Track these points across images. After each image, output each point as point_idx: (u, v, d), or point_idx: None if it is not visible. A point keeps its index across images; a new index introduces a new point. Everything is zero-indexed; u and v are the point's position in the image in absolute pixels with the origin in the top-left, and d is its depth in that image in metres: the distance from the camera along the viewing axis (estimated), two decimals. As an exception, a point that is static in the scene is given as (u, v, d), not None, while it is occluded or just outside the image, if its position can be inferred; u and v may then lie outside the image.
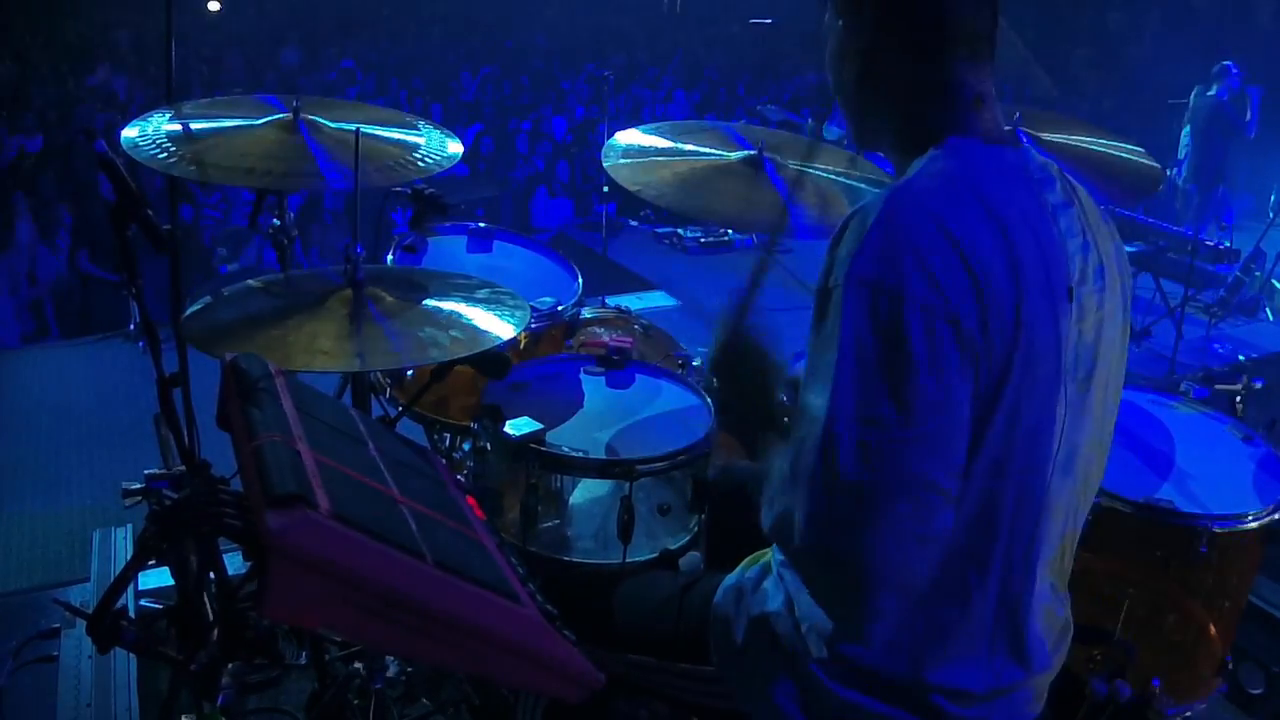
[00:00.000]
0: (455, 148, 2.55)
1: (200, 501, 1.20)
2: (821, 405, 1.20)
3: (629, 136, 2.61)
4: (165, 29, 2.43)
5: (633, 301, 5.24)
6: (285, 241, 2.63)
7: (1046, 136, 2.76)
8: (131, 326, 6.13)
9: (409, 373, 2.56)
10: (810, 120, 8.08)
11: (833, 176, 2.52)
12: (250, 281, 2.10)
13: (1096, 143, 2.82)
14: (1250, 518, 2.04)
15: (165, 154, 2.27)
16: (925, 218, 1.20)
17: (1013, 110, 2.67)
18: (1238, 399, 2.60)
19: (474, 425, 2.12)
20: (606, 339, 2.53)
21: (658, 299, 6.93)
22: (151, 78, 10.27)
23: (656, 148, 2.57)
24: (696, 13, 13.63)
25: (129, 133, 2.34)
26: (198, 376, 2.21)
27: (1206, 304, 7.09)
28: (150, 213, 1.63)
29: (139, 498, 1.69)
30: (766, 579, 1.51)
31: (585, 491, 2.17)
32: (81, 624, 2.52)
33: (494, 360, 2.07)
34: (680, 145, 2.57)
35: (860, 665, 1.33)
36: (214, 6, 11.10)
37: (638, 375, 2.32)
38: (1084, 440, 1.37)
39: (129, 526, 3.07)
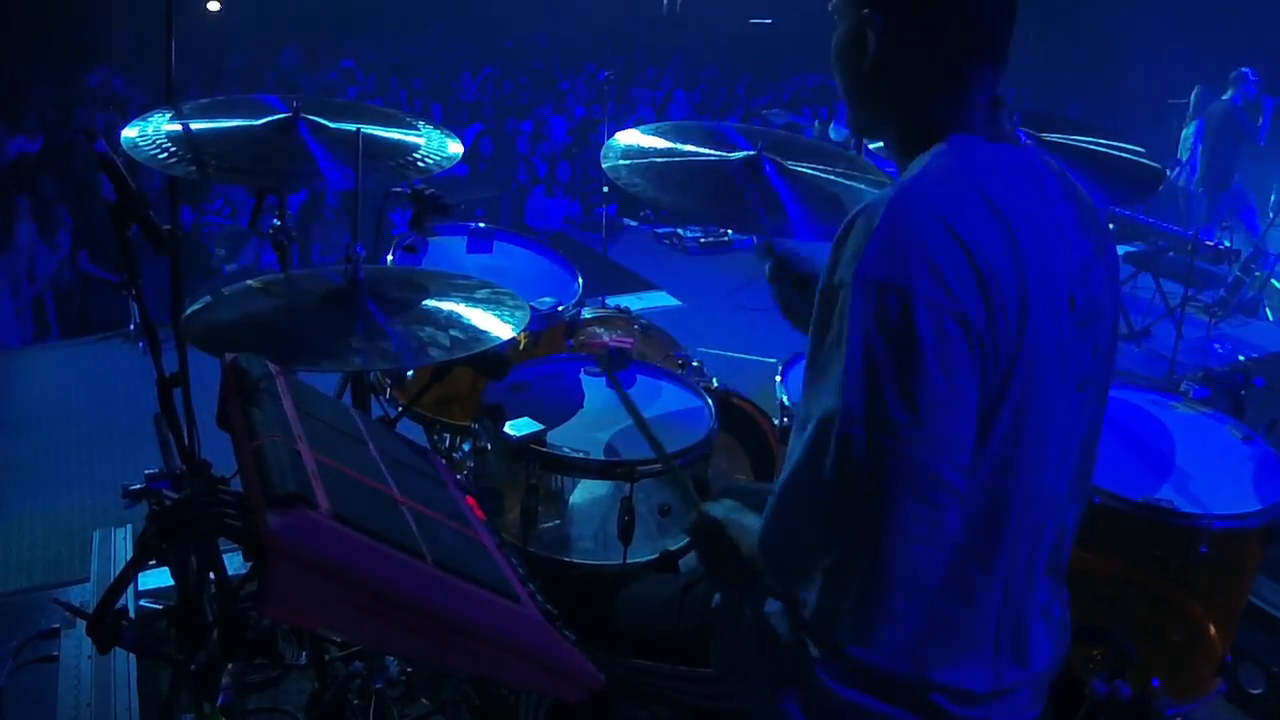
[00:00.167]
0: (455, 148, 2.55)
1: (200, 501, 1.20)
2: (832, 407, 1.20)
3: (629, 137, 2.61)
4: (165, 29, 2.43)
5: (633, 301, 5.25)
6: (285, 242, 2.63)
7: (1046, 136, 2.76)
8: (131, 326, 6.13)
9: (409, 373, 2.56)
10: (816, 122, 8.09)
11: (833, 176, 2.52)
12: (250, 282, 2.10)
13: (1096, 143, 2.82)
14: (1250, 518, 2.04)
15: (165, 154, 2.27)
16: (931, 216, 1.19)
17: (1013, 110, 2.67)
18: (1238, 399, 2.60)
19: (474, 425, 2.12)
20: (606, 339, 2.53)
21: (658, 299, 6.93)
22: (151, 78, 10.26)
23: (656, 148, 2.57)
24: (696, 13, 13.62)
25: (129, 133, 2.34)
26: (198, 376, 2.21)
27: (1206, 304, 7.10)
28: (150, 213, 1.63)
29: (139, 498, 1.69)
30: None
31: (585, 492, 2.17)
32: (81, 624, 2.53)
33: (494, 360, 2.07)
34: (680, 145, 2.57)
35: (861, 665, 1.33)
36: (214, 6, 11.09)
37: (638, 376, 2.32)
38: (1082, 438, 1.38)
39: (129, 526, 3.07)
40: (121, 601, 1.27)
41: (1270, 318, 7.40)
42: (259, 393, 1.40)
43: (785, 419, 2.46)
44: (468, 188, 8.72)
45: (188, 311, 1.97)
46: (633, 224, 9.32)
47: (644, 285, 7.31)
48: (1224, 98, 8.17)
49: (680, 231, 8.52)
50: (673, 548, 2.03)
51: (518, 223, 9.21)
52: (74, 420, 5.16)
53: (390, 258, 2.68)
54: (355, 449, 1.50)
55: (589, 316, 2.80)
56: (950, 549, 1.22)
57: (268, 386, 1.44)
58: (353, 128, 2.09)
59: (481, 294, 2.14)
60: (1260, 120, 8.06)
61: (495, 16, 14.05)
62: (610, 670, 1.40)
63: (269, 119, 2.46)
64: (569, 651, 1.32)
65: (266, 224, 2.65)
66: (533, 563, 1.98)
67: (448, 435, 2.69)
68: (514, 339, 2.37)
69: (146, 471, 1.75)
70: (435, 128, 2.63)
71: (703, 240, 8.40)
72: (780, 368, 2.54)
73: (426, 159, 2.46)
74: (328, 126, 2.46)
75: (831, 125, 8.52)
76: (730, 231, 8.32)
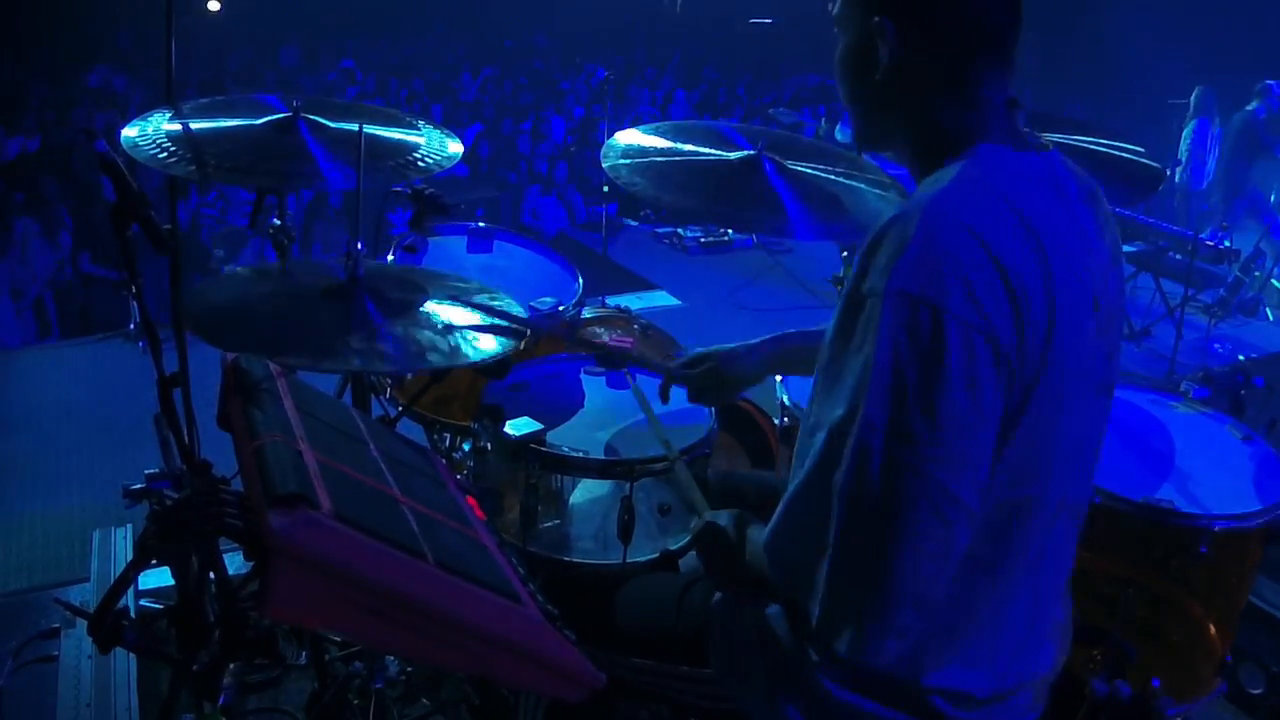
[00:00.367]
0: (455, 148, 2.55)
1: (201, 501, 1.20)
2: (847, 415, 1.19)
3: (629, 136, 2.61)
4: (165, 29, 2.43)
5: (633, 301, 5.24)
6: (285, 241, 2.62)
7: (1047, 136, 2.75)
8: (131, 326, 6.12)
9: (409, 373, 2.55)
10: (822, 123, 8.08)
11: (833, 177, 2.52)
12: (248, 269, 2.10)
13: (1096, 143, 2.82)
14: (1250, 518, 2.04)
15: (165, 154, 2.27)
16: (967, 233, 1.18)
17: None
18: (1238, 399, 2.60)
19: (474, 425, 2.12)
20: (607, 339, 2.53)
21: (658, 299, 6.93)
22: (151, 77, 10.27)
23: (656, 148, 2.57)
24: (696, 13, 13.63)
25: (129, 133, 2.34)
26: (198, 376, 2.20)
27: (1206, 304, 7.10)
28: (151, 213, 1.63)
29: (139, 498, 1.69)
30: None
31: (585, 492, 2.17)
32: (81, 624, 2.53)
33: (494, 360, 2.07)
34: (680, 145, 2.57)
35: (861, 669, 1.33)
36: (214, 6, 11.09)
37: (637, 376, 2.32)
38: (1095, 441, 1.38)
39: (129, 526, 3.06)
40: (122, 601, 1.27)
41: (1270, 318, 7.39)
42: (259, 393, 1.41)
43: (785, 419, 2.46)
44: (468, 188, 8.73)
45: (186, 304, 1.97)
46: (633, 224, 9.31)
47: (644, 285, 7.30)
48: (1248, 108, 8.16)
49: (680, 231, 8.51)
50: (673, 547, 2.03)
51: (518, 223, 9.21)
52: (74, 420, 5.15)
53: (390, 257, 2.68)
54: (356, 449, 1.50)
55: (589, 316, 2.80)
56: (957, 565, 1.22)
57: (268, 387, 1.44)
58: (353, 127, 2.09)
59: (479, 299, 2.14)
60: None
61: (495, 16, 14.05)
62: (610, 670, 1.40)
63: (269, 119, 2.46)
64: (569, 651, 1.32)
65: (267, 224, 2.65)
66: (533, 562, 1.98)
67: (448, 435, 2.69)
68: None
69: (147, 471, 1.74)
70: (435, 128, 2.63)
71: (703, 240, 8.39)
72: (780, 368, 2.53)
73: (426, 159, 2.46)
74: (328, 126, 2.46)
75: (838, 127, 8.51)
76: (730, 231, 8.32)
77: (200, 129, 2.40)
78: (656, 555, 2.01)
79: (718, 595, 1.59)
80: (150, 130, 2.36)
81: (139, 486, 1.69)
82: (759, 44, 13.48)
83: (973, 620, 1.31)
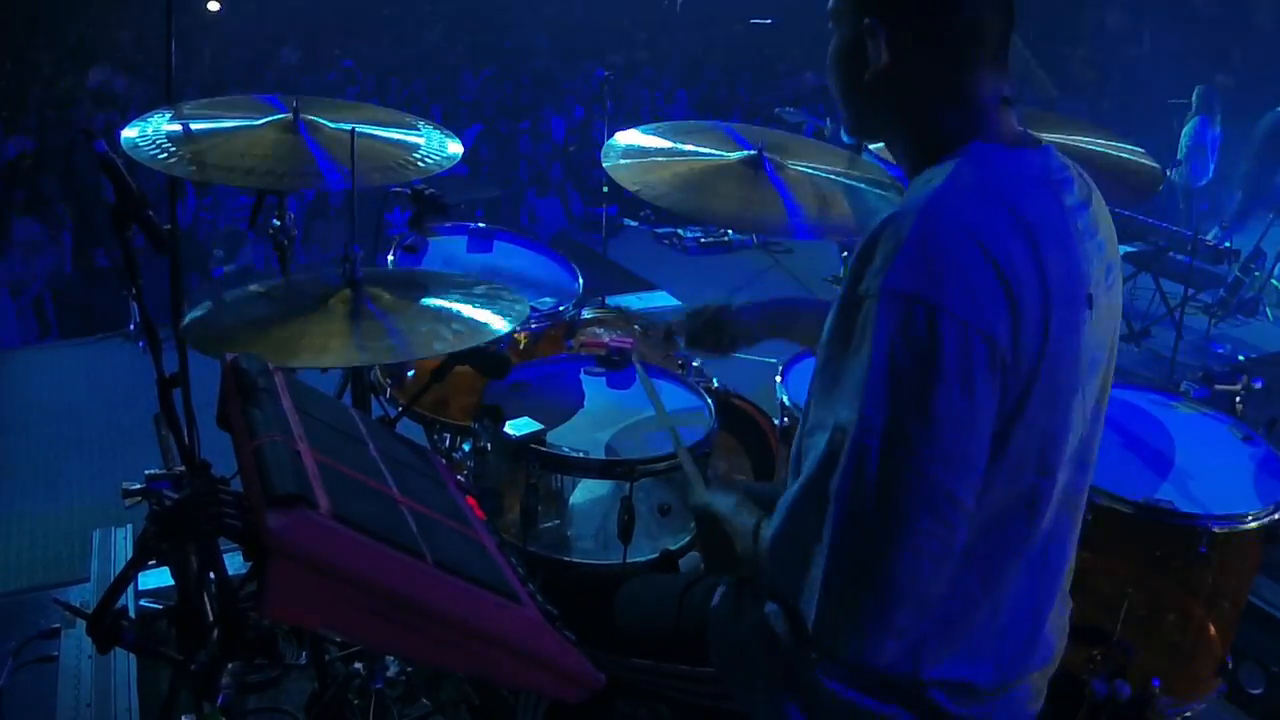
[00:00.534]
0: (455, 148, 2.54)
1: (200, 501, 1.20)
2: (847, 418, 1.19)
3: (629, 136, 2.61)
4: (165, 29, 2.43)
5: (633, 301, 5.25)
6: (285, 242, 2.62)
7: (1046, 136, 2.75)
8: (131, 326, 6.12)
9: (409, 373, 2.56)
10: (828, 123, 8.07)
11: (833, 176, 2.52)
12: (251, 287, 2.10)
13: (1096, 143, 2.81)
14: (1250, 518, 2.04)
15: (165, 154, 2.27)
16: (963, 232, 1.18)
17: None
18: (1238, 399, 2.60)
19: (474, 425, 2.12)
20: (606, 339, 2.53)
21: (658, 299, 6.93)
22: (151, 78, 10.27)
23: (656, 148, 2.57)
24: (696, 13, 13.62)
25: (129, 133, 2.34)
26: (198, 376, 2.21)
27: (1206, 304, 7.09)
28: (151, 213, 1.63)
29: (139, 498, 1.69)
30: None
31: (585, 492, 2.17)
32: (81, 624, 2.53)
33: (494, 360, 2.07)
34: (680, 145, 2.57)
35: (861, 666, 1.33)
36: (214, 6, 11.08)
37: (637, 376, 2.32)
38: (1094, 437, 1.38)
39: (129, 526, 3.07)
40: (121, 601, 1.27)
41: (1270, 318, 7.39)
42: (259, 392, 1.40)
43: (785, 419, 2.46)
44: (468, 188, 8.72)
45: (187, 319, 1.97)
46: (633, 224, 9.31)
47: (644, 285, 7.30)
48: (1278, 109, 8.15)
49: (680, 231, 8.51)
50: (673, 547, 2.03)
51: (518, 223, 9.21)
52: (74, 420, 5.16)
53: (390, 257, 2.68)
54: (355, 449, 1.50)
55: (589, 316, 2.80)
56: (954, 565, 1.21)
57: (267, 386, 1.44)
58: (350, 128, 2.09)
59: (479, 290, 2.14)
60: None
61: (495, 16, 14.05)
62: (610, 670, 1.40)
63: (269, 119, 2.46)
64: (569, 651, 1.32)
65: (267, 224, 2.65)
66: (532, 562, 1.98)
67: (448, 435, 2.69)
68: (514, 339, 2.38)
69: (146, 471, 1.74)
70: (435, 128, 2.63)
71: (703, 240, 8.40)
72: (780, 368, 2.53)
73: (426, 159, 2.46)
74: (327, 126, 2.46)
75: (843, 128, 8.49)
76: (730, 231, 8.32)
77: (200, 129, 2.40)
78: (656, 555, 2.01)
79: (718, 595, 1.59)
80: (150, 130, 2.36)
81: (139, 486, 1.70)
82: (759, 44, 13.48)
83: (973, 615, 1.31)
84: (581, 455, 1.98)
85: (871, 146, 2.72)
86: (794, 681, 1.41)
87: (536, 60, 13.35)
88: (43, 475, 4.62)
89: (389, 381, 2.58)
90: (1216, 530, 2.01)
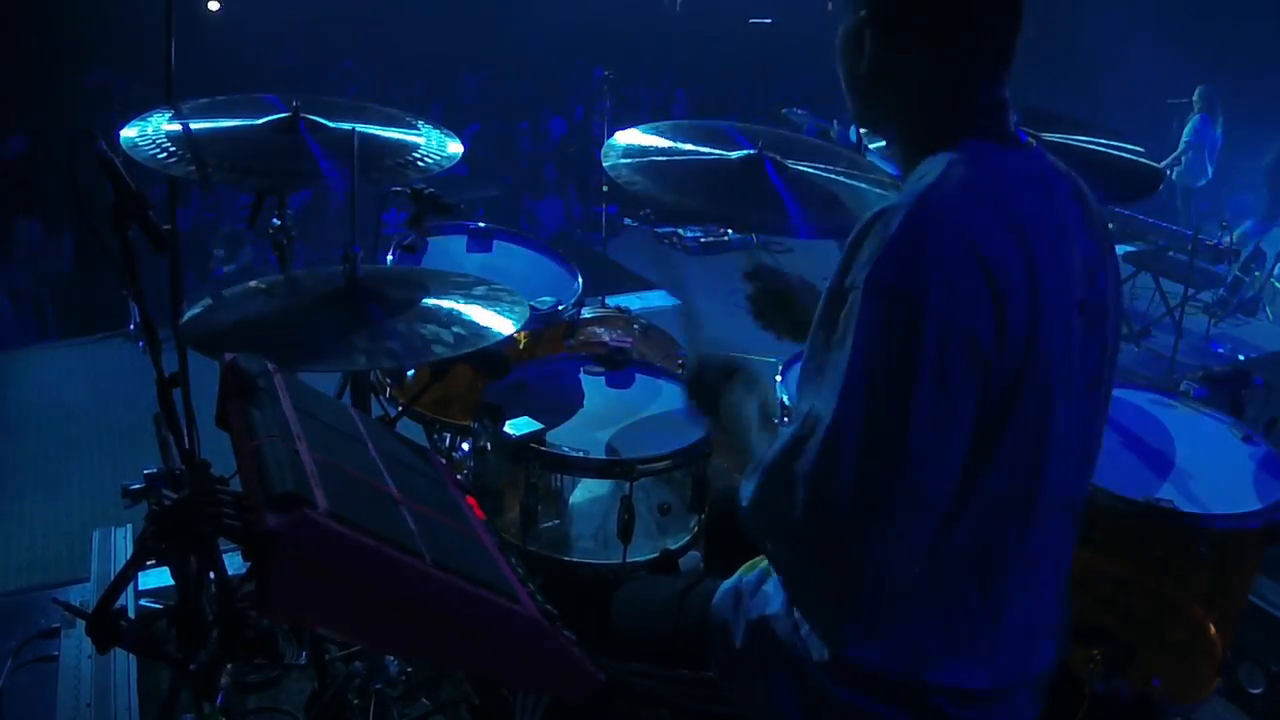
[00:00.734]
0: (455, 148, 2.54)
1: (199, 501, 1.20)
2: (827, 409, 1.19)
3: (629, 136, 2.61)
4: (165, 29, 2.43)
5: (633, 301, 5.24)
6: (285, 242, 2.62)
7: (1047, 136, 2.76)
8: (131, 326, 6.12)
9: (409, 373, 2.55)
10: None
11: (833, 176, 2.51)
12: (251, 283, 2.10)
13: (1096, 143, 2.82)
14: (1250, 518, 2.04)
15: (165, 154, 2.27)
16: (952, 229, 1.18)
17: (1013, 110, 2.66)
18: (1238, 399, 2.60)
19: (474, 425, 2.12)
20: (606, 338, 2.53)
21: (658, 299, 6.92)
22: (152, 78, 10.25)
23: (656, 148, 2.57)
24: (696, 13, 13.61)
25: (129, 133, 2.34)
26: (198, 376, 2.21)
27: (1206, 304, 7.09)
28: (150, 213, 1.63)
29: (139, 497, 1.69)
30: (766, 582, 1.51)
31: (585, 491, 2.17)
32: (81, 624, 2.53)
33: (494, 360, 2.07)
34: (680, 145, 2.57)
35: (862, 667, 1.33)
36: (214, 6, 11.08)
37: (637, 375, 2.32)
38: (1092, 440, 1.38)
39: (129, 526, 3.07)
40: (121, 601, 1.27)
41: (1270, 317, 7.39)
42: (258, 392, 1.40)
43: (785, 419, 2.46)
44: (468, 188, 8.71)
45: (186, 315, 1.97)
46: (633, 224, 9.31)
47: (644, 285, 7.30)
48: None
49: (680, 231, 8.51)
50: (672, 547, 2.03)
51: (518, 223, 9.21)
52: (74, 420, 5.16)
53: (390, 257, 2.68)
54: (354, 448, 1.50)
55: (589, 316, 2.80)
56: (921, 560, 1.22)
57: (266, 386, 1.43)
58: (350, 128, 2.09)
59: (479, 290, 2.14)
60: None
61: (495, 16, 14.03)
62: (610, 672, 1.40)
63: (269, 119, 2.46)
64: (569, 651, 1.32)
65: (266, 224, 2.65)
66: (532, 562, 1.98)
67: (448, 435, 2.69)
68: (514, 338, 2.37)
69: (146, 471, 1.74)
70: (435, 127, 2.63)
71: (703, 240, 8.40)
72: (780, 368, 2.53)
73: (426, 159, 2.46)
74: (327, 126, 2.46)
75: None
76: (730, 231, 8.32)
77: (200, 129, 2.39)
78: (656, 555, 2.01)
79: (717, 598, 1.59)
80: (150, 130, 2.35)
81: (138, 486, 1.70)
82: (759, 44, 13.47)
83: (971, 618, 1.31)
84: (581, 455, 1.98)
85: (872, 146, 2.72)
86: (794, 685, 1.40)
87: (536, 60, 13.34)
88: (43, 475, 4.62)
89: (389, 381, 2.58)
90: (1216, 530, 2.01)
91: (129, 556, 1.29)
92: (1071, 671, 1.74)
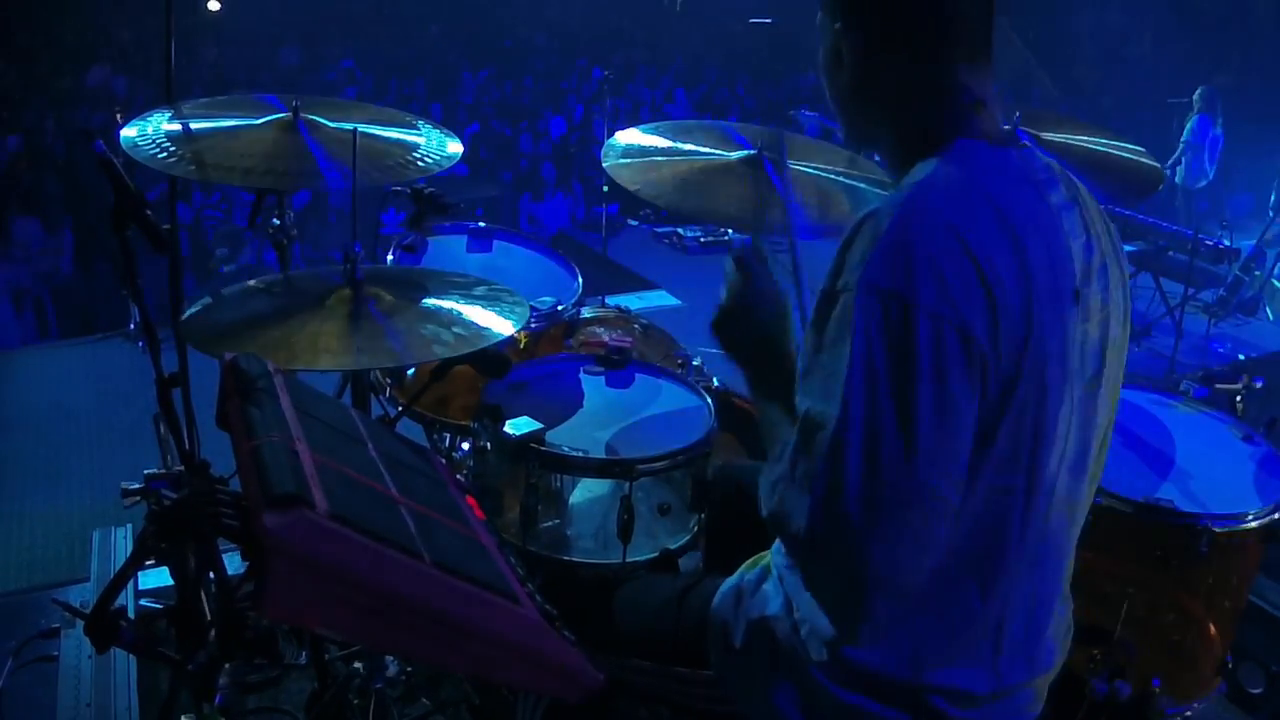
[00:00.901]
0: (455, 147, 2.54)
1: (199, 501, 1.20)
2: (829, 412, 1.19)
3: (629, 136, 2.61)
4: (165, 29, 2.43)
5: (633, 301, 5.25)
6: (285, 241, 2.62)
7: (1047, 136, 2.76)
8: (131, 326, 6.12)
9: (409, 372, 2.55)
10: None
11: (833, 176, 2.51)
12: (250, 282, 2.10)
13: (1096, 143, 2.82)
14: (1250, 517, 2.04)
15: (165, 154, 2.27)
16: (941, 227, 1.19)
17: (1013, 110, 2.67)
18: (1238, 399, 2.60)
19: (474, 425, 2.11)
20: (606, 339, 2.53)
21: (658, 299, 6.93)
22: (152, 78, 10.26)
23: (656, 148, 2.57)
24: (696, 13, 13.61)
25: (129, 133, 2.34)
26: (198, 376, 2.21)
27: (1206, 304, 7.09)
28: (149, 213, 1.63)
29: (139, 498, 1.69)
30: (766, 581, 1.51)
31: (585, 491, 2.17)
32: (81, 624, 2.53)
33: (494, 360, 2.07)
34: (680, 145, 2.57)
35: (861, 668, 1.33)
36: (214, 6, 11.09)
37: (637, 375, 2.32)
38: (1093, 440, 1.37)
39: (129, 526, 3.07)
40: (120, 601, 1.27)
41: (1270, 317, 7.39)
42: (257, 392, 1.40)
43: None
44: (468, 188, 8.72)
45: (187, 314, 1.97)
46: (633, 224, 9.31)
47: (644, 285, 7.30)
48: None
49: (680, 231, 8.52)
50: (672, 546, 2.03)
51: (518, 223, 9.21)
52: (74, 420, 5.16)
53: (390, 257, 2.68)
54: (354, 449, 1.50)
55: (589, 316, 2.80)
56: (936, 555, 1.21)
57: (266, 386, 1.44)
58: (351, 127, 2.09)
59: (480, 291, 2.14)
60: None
61: (495, 16, 14.04)
62: (610, 671, 1.40)
63: (269, 119, 2.46)
64: (568, 651, 1.32)
65: (267, 224, 2.65)
66: (532, 562, 1.98)
67: (447, 435, 2.69)
68: (514, 338, 2.37)
69: (146, 471, 1.74)
70: (435, 127, 2.63)
71: (703, 240, 8.41)
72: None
73: (426, 158, 2.45)
74: (327, 126, 2.46)
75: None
76: (730, 231, 8.32)
77: (200, 129, 2.39)
78: (656, 555, 2.01)
79: (718, 597, 1.59)
80: (150, 130, 2.35)
81: (138, 486, 1.69)
82: (759, 44, 13.47)
83: (971, 618, 1.31)
84: (581, 454, 1.98)
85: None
86: (792, 683, 1.40)
87: (536, 60, 13.34)
88: (43, 475, 4.62)
89: (389, 381, 2.58)
90: (1217, 530, 2.00)
91: (129, 556, 1.29)
92: (1071, 671, 1.74)
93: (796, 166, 2.48)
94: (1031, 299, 1.21)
